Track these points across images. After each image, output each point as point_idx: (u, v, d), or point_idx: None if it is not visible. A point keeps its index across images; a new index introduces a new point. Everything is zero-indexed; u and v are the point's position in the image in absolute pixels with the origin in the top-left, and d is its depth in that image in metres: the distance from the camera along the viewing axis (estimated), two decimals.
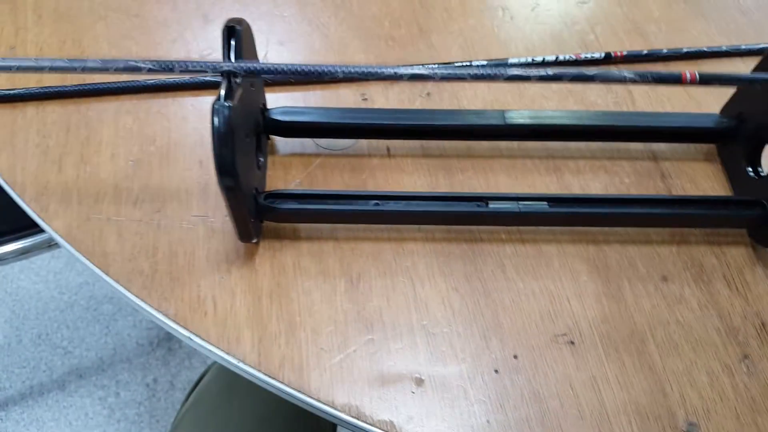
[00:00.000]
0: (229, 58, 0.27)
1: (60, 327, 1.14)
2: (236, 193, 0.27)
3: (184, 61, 0.26)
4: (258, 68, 0.27)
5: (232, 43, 0.28)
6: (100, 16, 0.42)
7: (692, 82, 0.26)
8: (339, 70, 0.27)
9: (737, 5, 0.46)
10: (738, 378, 0.30)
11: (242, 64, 0.27)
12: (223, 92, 0.26)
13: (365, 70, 0.27)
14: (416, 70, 0.27)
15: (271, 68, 0.27)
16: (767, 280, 0.33)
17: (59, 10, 0.41)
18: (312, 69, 0.27)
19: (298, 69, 0.27)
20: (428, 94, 0.39)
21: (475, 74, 0.26)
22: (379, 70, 0.27)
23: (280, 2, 0.43)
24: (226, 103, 0.25)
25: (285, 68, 0.27)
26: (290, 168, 0.36)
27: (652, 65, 0.42)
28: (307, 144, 0.37)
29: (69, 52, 0.40)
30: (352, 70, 0.27)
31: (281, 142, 0.37)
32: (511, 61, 0.40)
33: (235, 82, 0.27)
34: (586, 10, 0.45)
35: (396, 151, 0.37)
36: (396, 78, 0.28)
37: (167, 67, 0.25)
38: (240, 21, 0.29)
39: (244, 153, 0.28)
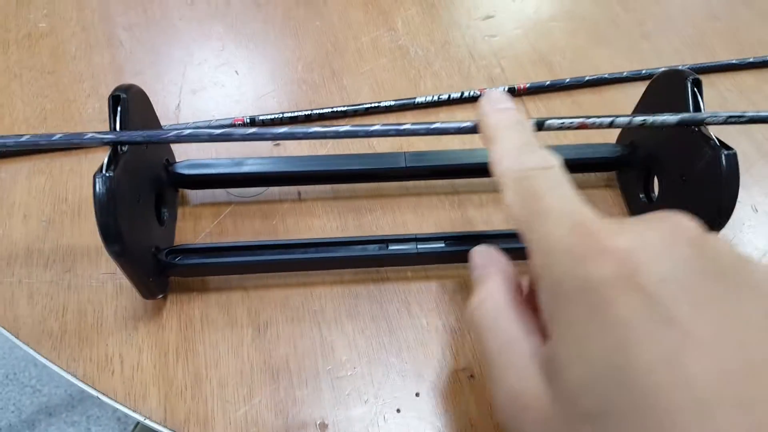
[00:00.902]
0: (114, 128, 0.28)
1: (27, 365, 1.13)
2: (126, 257, 0.28)
3: (66, 135, 0.27)
4: (138, 138, 0.27)
5: (118, 110, 0.29)
6: (15, 74, 0.42)
7: None
8: (220, 133, 0.28)
9: (640, 30, 0.48)
10: None
11: (122, 135, 0.27)
12: (105, 162, 0.27)
13: (251, 132, 0.28)
14: (301, 130, 0.28)
15: (153, 136, 0.28)
16: None
17: None
18: (195, 133, 0.28)
19: (182, 135, 0.28)
20: None
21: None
22: (264, 132, 0.28)
23: (194, 50, 0.44)
24: (106, 174, 0.26)
25: (166, 136, 0.28)
26: (200, 218, 0.37)
27: (555, 95, 0.43)
28: (218, 193, 0.38)
29: None
30: (243, 133, 0.28)
31: (192, 193, 0.38)
32: (418, 99, 0.42)
33: (122, 150, 0.28)
34: (494, 44, 0.46)
35: (307, 195, 0.38)
36: (286, 138, 0.29)
37: (45, 140, 0.26)
38: (128, 88, 0.29)
39: (137, 215, 0.29)
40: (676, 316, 0.17)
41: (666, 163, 0.34)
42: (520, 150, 0.24)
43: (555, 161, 0.23)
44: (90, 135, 0.26)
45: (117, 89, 0.29)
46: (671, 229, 0.19)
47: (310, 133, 0.28)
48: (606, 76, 0.44)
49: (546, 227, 0.20)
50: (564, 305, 0.19)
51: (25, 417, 1.07)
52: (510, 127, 0.25)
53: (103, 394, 0.31)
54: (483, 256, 0.26)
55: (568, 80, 0.43)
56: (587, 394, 0.17)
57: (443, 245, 0.33)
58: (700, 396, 0.15)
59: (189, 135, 0.27)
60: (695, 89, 0.31)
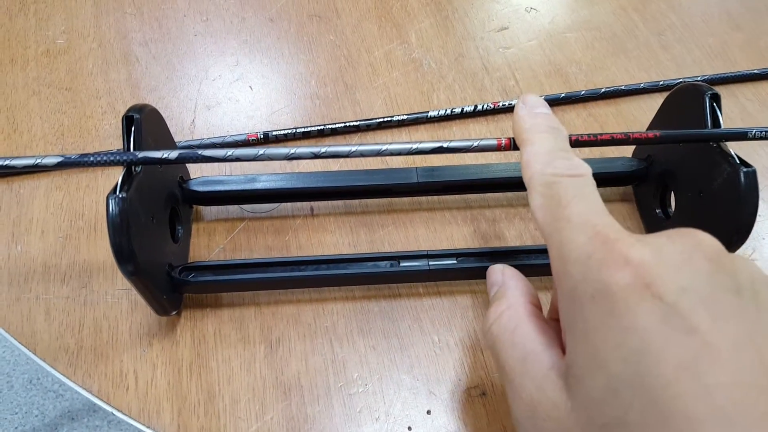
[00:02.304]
0: (128, 148, 0.29)
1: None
2: (139, 276, 0.28)
3: (84, 155, 0.27)
4: (153, 158, 0.28)
5: (132, 130, 0.29)
6: (33, 91, 0.43)
7: (506, 148, 0.28)
8: (232, 154, 0.28)
9: (658, 41, 0.47)
10: None
11: (137, 155, 0.28)
12: (119, 182, 0.27)
13: (259, 152, 0.28)
14: (310, 149, 0.28)
15: (168, 157, 0.28)
16: None
17: None
18: (208, 155, 0.28)
19: (196, 155, 0.28)
20: None
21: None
22: (271, 151, 0.28)
23: (209, 66, 0.45)
24: (119, 195, 0.26)
25: (183, 155, 0.28)
26: (214, 234, 0.37)
27: (571, 107, 0.43)
28: (231, 209, 0.38)
29: (2, 128, 0.41)
30: (247, 153, 0.29)
31: (206, 209, 0.38)
32: (431, 113, 0.41)
33: (135, 170, 0.28)
34: (509, 56, 0.46)
35: (319, 210, 0.38)
36: (295, 158, 0.29)
37: (64, 162, 0.27)
38: (141, 108, 0.30)
39: (150, 234, 0.29)
40: (695, 326, 0.17)
41: (683, 179, 0.33)
42: (552, 155, 0.24)
43: (585, 170, 0.23)
44: (105, 155, 0.27)
45: (130, 110, 0.29)
46: (691, 244, 0.19)
47: (323, 152, 0.28)
48: (623, 87, 0.43)
49: (567, 234, 0.21)
50: (581, 310, 0.19)
51: (48, 421, 1.09)
52: (545, 132, 0.25)
53: (118, 410, 0.31)
54: (500, 273, 0.27)
55: (583, 92, 0.43)
56: (605, 403, 0.17)
57: (455, 262, 0.33)
58: (720, 407, 0.15)
59: (203, 156, 0.27)
60: (714, 104, 0.31)
